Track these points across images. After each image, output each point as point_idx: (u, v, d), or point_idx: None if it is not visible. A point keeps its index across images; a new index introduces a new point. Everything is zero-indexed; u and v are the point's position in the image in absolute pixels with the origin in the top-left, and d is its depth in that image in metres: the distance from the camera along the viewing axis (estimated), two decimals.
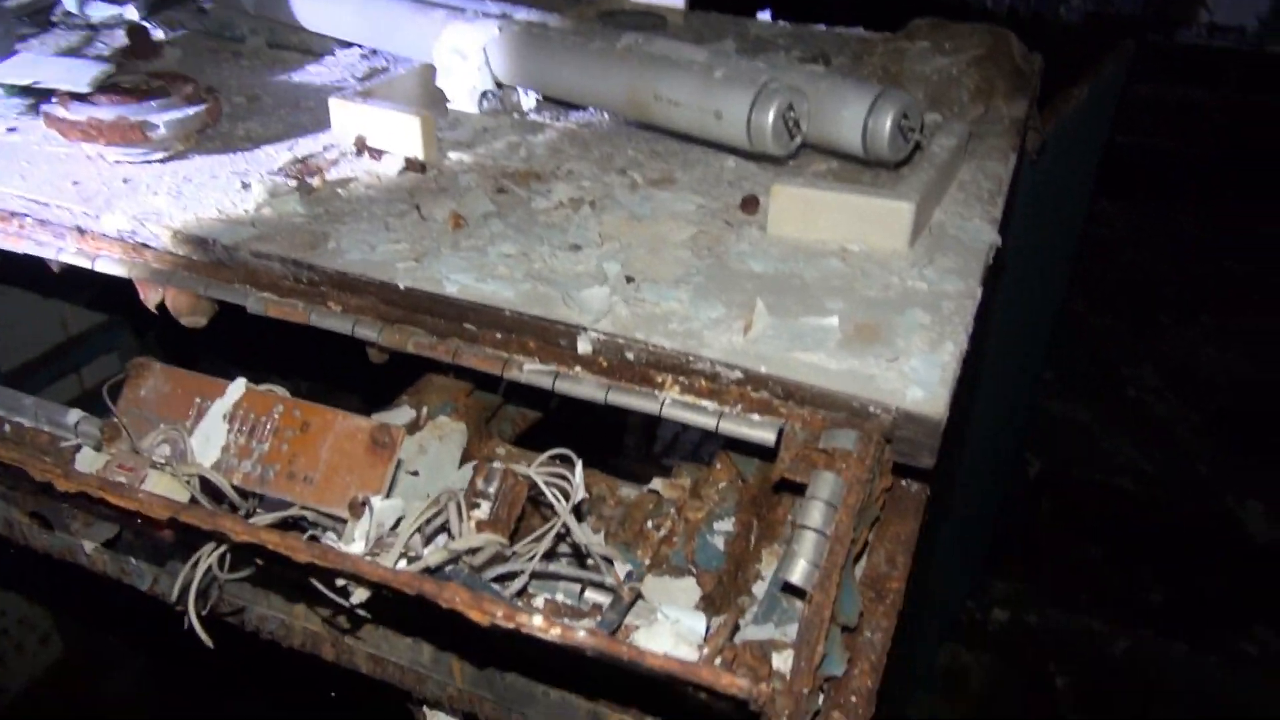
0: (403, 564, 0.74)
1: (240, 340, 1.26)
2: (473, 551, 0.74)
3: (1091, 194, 3.17)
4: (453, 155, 1.40)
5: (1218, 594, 3.14)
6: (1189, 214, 5.15)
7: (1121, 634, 3.01)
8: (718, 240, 1.19)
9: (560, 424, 1.42)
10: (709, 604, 0.95)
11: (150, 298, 1.24)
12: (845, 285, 1.10)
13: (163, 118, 1.32)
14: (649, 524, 1.08)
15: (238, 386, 0.88)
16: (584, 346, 1.01)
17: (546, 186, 1.31)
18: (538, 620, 0.61)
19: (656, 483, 1.14)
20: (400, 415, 1.20)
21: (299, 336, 1.20)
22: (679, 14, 2.12)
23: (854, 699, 0.85)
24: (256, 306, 1.13)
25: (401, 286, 1.07)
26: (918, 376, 0.93)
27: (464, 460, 1.19)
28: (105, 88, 1.38)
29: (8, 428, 1.08)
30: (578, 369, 1.01)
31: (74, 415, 1.06)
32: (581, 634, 0.61)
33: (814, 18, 2.19)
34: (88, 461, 0.91)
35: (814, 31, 2.08)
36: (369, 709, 1.27)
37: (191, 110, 1.36)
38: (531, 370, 1.01)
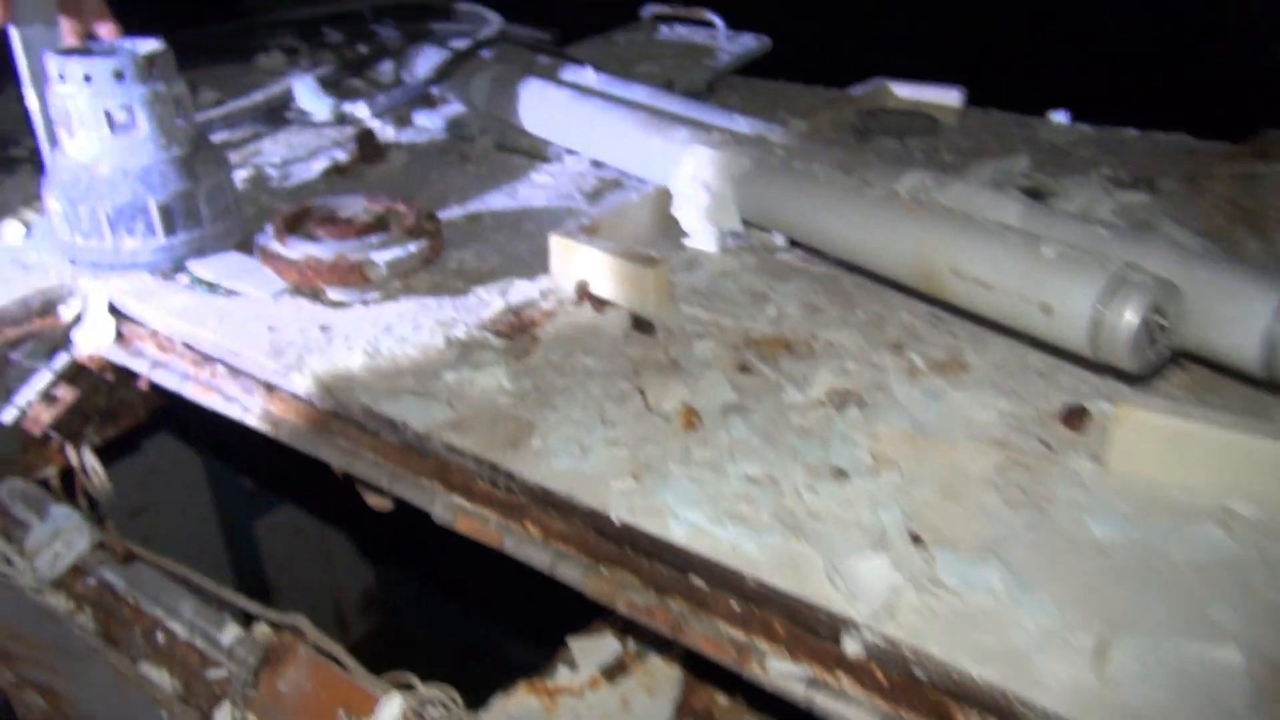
0: None
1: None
2: None
3: None
4: (686, 309, 1.17)
5: None
6: None
7: None
8: (1035, 475, 0.88)
9: None
10: None
11: (336, 466, 1.09)
12: (1238, 579, 0.76)
13: (384, 255, 1.19)
14: None
15: (392, 707, 0.68)
16: (853, 648, 0.73)
17: (801, 366, 1.05)
18: None
19: None
20: (602, 649, 0.98)
21: None
22: (954, 113, 1.81)
23: None
24: (444, 516, 0.93)
25: (616, 520, 0.84)
26: None
27: (677, 717, 0.95)
28: (324, 218, 1.26)
29: (160, 635, 0.94)
30: (842, 676, 0.74)
31: (230, 634, 0.91)
32: None
33: (1117, 117, 1.82)
34: None
35: (1124, 138, 1.71)
36: None
37: (414, 246, 1.22)
38: (780, 674, 0.75)
